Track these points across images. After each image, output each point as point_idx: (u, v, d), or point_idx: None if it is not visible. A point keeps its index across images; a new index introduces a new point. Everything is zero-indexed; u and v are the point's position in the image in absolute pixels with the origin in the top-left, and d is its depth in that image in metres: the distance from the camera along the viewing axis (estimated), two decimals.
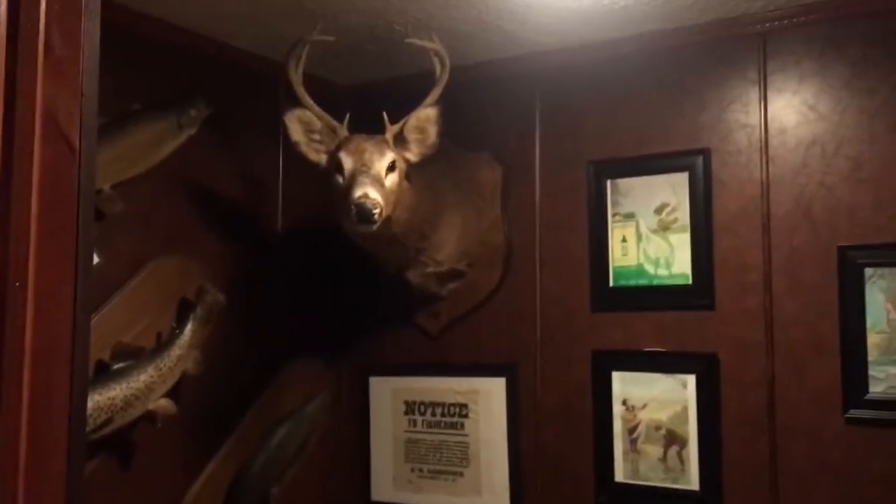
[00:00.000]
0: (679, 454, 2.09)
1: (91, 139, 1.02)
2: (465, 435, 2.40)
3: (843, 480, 1.88)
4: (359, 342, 2.58)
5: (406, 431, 2.49)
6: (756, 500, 1.98)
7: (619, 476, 2.16)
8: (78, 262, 1.04)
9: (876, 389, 1.87)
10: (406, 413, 2.50)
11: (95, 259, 1.90)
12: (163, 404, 1.93)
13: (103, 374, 1.85)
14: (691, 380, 2.08)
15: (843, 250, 1.92)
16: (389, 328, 2.53)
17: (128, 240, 1.99)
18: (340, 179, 1.94)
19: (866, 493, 1.86)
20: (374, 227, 1.89)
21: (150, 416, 1.92)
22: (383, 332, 2.54)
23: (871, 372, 1.87)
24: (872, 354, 1.88)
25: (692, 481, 2.07)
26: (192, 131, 2.04)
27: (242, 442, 2.21)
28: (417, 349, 2.49)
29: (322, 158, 2.01)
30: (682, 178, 2.13)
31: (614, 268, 2.21)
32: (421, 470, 2.46)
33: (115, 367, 1.86)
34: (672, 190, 2.14)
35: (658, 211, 2.16)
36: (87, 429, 1.74)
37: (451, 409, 2.43)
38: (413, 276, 2.32)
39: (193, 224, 2.15)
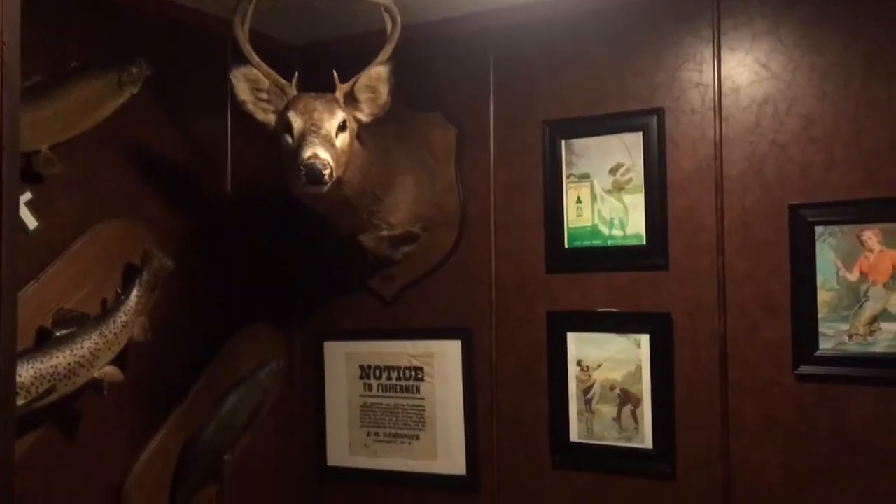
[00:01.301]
0: (633, 413, 2.10)
1: (14, 92, 0.97)
2: (421, 398, 2.39)
3: (793, 436, 1.91)
4: (312, 307, 2.54)
5: (361, 396, 2.47)
6: (708, 456, 2.00)
7: (575, 436, 2.17)
8: (1, 222, 0.98)
9: (826, 346, 1.89)
10: (361, 377, 2.48)
11: (34, 223, 1.84)
12: (109, 371, 1.87)
13: (45, 341, 1.79)
14: (645, 339, 2.08)
15: (794, 209, 1.93)
16: (343, 293, 2.50)
17: (69, 203, 1.92)
18: (289, 140, 1.89)
19: (816, 448, 1.89)
20: (325, 188, 1.85)
21: (95, 385, 1.86)
22: (337, 297, 2.51)
23: (821, 329, 1.90)
24: (822, 312, 1.89)
25: (646, 440, 2.08)
26: (134, 90, 1.96)
27: (192, 410, 2.16)
28: (372, 313, 2.46)
29: (270, 118, 1.96)
30: (636, 138, 2.12)
31: (569, 229, 2.20)
32: (377, 434, 2.45)
33: (58, 333, 1.80)
34: (626, 150, 2.13)
35: (613, 171, 2.15)
36: (29, 398, 1.70)
37: (407, 372, 2.41)
38: (366, 239, 2.29)
39: (138, 187, 2.09)
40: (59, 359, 1.76)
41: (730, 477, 1.97)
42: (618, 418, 2.12)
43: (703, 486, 2.00)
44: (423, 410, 2.38)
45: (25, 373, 1.69)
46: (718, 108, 2.02)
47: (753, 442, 1.95)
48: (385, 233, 2.29)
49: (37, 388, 1.71)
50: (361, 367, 2.48)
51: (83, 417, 1.93)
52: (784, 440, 1.92)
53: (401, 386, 2.42)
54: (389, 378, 2.44)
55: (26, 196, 1.82)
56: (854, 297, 1.87)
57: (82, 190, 1.95)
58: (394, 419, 2.42)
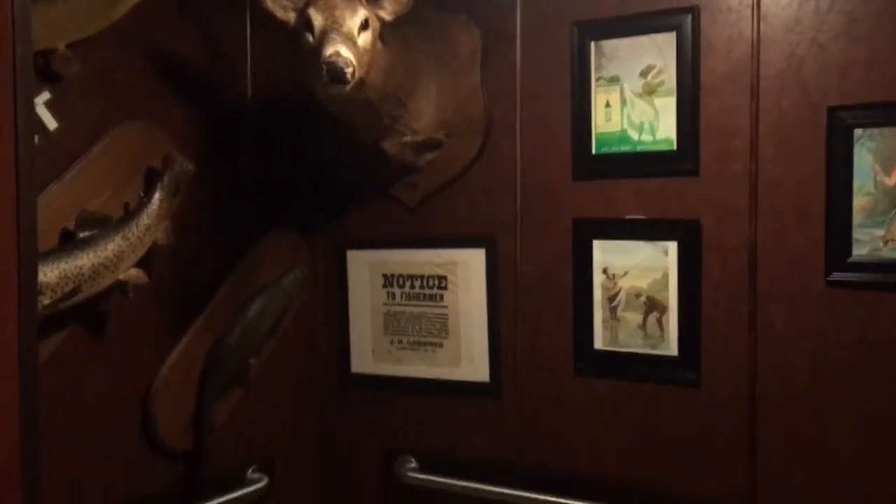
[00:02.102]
0: (659, 321, 2.08)
1: None
2: (445, 307, 2.38)
3: (821, 343, 1.89)
4: (334, 215, 2.52)
5: (385, 304, 2.47)
6: (733, 364, 1.98)
7: (599, 344, 2.16)
8: (17, 123, 0.96)
9: (859, 252, 1.85)
10: (384, 286, 2.47)
11: (55, 124, 1.82)
12: (133, 274, 1.87)
13: (69, 242, 1.78)
14: (673, 247, 2.05)
15: (833, 111, 1.86)
16: (365, 201, 2.47)
17: (87, 104, 1.88)
18: (310, 38, 1.84)
19: (843, 355, 1.86)
20: (347, 87, 1.80)
21: (121, 287, 1.87)
22: (359, 205, 2.49)
23: (856, 235, 1.85)
24: (857, 217, 1.85)
25: (671, 347, 2.07)
26: None
27: (217, 315, 2.17)
28: (395, 222, 2.44)
29: (290, 17, 1.90)
30: (669, 39, 2.04)
31: (597, 135, 2.15)
32: (400, 342, 2.45)
33: (81, 235, 1.79)
34: (658, 51, 2.06)
35: (643, 74, 2.08)
36: (55, 297, 1.70)
37: (430, 281, 2.40)
38: (389, 146, 2.25)
39: (157, 89, 2.05)
40: (83, 260, 1.76)
41: (755, 384, 1.96)
42: (643, 326, 2.10)
43: (728, 392, 1.99)
44: (447, 319, 2.38)
45: (50, 272, 1.69)
46: (757, 5, 1.93)
47: (780, 349, 1.93)
48: (408, 139, 2.24)
49: (62, 288, 1.71)
50: (385, 276, 2.47)
51: (109, 321, 1.95)
52: (812, 347, 1.89)
53: (424, 294, 2.41)
54: (413, 287, 2.43)
55: (45, 96, 1.79)
56: (891, 202, 1.82)
57: (100, 92, 1.91)
58: (417, 327, 2.42)
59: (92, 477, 1.93)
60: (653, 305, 2.09)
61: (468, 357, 2.35)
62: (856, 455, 1.86)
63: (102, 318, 1.93)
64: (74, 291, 1.73)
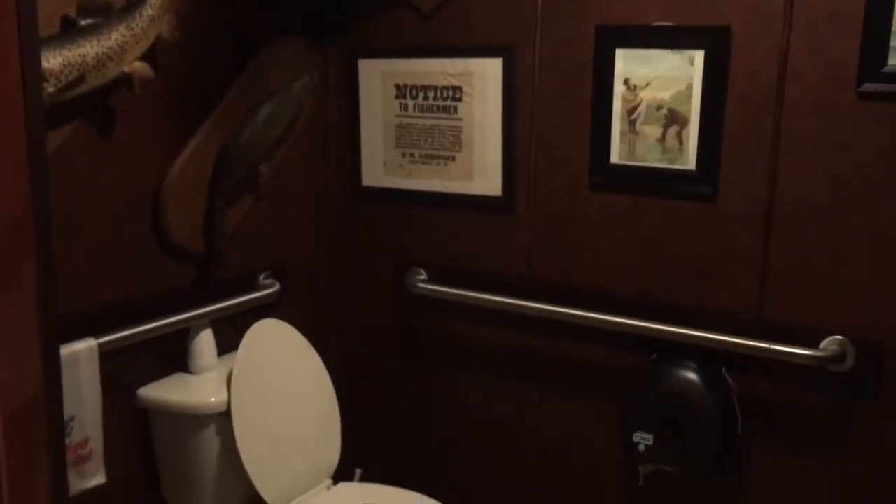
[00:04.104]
0: (679, 134, 2.03)
1: None
2: (459, 119, 2.32)
3: (845, 157, 1.84)
4: (346, 20, 2.42)
5: (397, 116, 2.41)
6: (752, 178, 1.95)
7: (615, 158, 2.12)
8: None
9: (894, 62, 1.76)
10: (397, 97, 2.40)
11: None
12: (139, 67, 1.81)
13: (71, 29, 1.71)
14: (700, 56, 1.96)
15: None
16: (378, 6, 2.36)
17: None
18: None
19: (867, 169, 1.82)
20: None
21: (126, 80, 1.81)
22: (372, 11, 2.38)
23: (893, 43, 1.76)
24: None
25: (689, 161, 2.02)
26: None
27: (226, 118, 2.12)
28: (409, 30, 2.34)
29: None
30: None
31: None
32: (412, 155, 2.41)
33: (84, 23, 1.72)
34: None
35: None
36: (59, 85, 1.65)
37: (445, 92, 2.33)
38: None
39: None
40: (87, 48, 1.69)
41: (773, 198, 1.93)
42: (662, 139, 2.05)
43: (745, 208, 1.96)
44: (461, 131, 2.33)
45: (53, 59, 1.63)
46: None
47: (801, 163, 1.89)
48: None
49: (66, 76, 1.65)
50: (397, 87, 2.40)
51: (117, 117, 1.90)
52: (834, 160, 1.85)
53: (438, 106, 2.35)
54: (426, 98, 2.36)
55: None
56: None
57: None
58: (430, 140, 2.38)
59: (107, 275, 1.94)
60: (674, 118, 2.03)
61: (481, 170, 2.32)
62: (869, 272, 1.85)
63: (110, 115, 1.89)
64: (79, 81, 1.68)
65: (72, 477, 1.81)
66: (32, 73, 0.96)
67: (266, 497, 2.02)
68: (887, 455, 1.87)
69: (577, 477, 2.29)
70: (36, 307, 0.95)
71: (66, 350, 1.78)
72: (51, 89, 1.63)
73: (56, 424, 1.02)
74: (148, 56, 1.86)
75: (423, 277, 2.43)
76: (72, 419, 1.80)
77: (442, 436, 2.51)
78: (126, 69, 1.79)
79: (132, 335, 1.95)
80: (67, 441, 1.79)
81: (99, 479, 1.89)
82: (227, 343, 2.17)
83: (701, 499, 2.13)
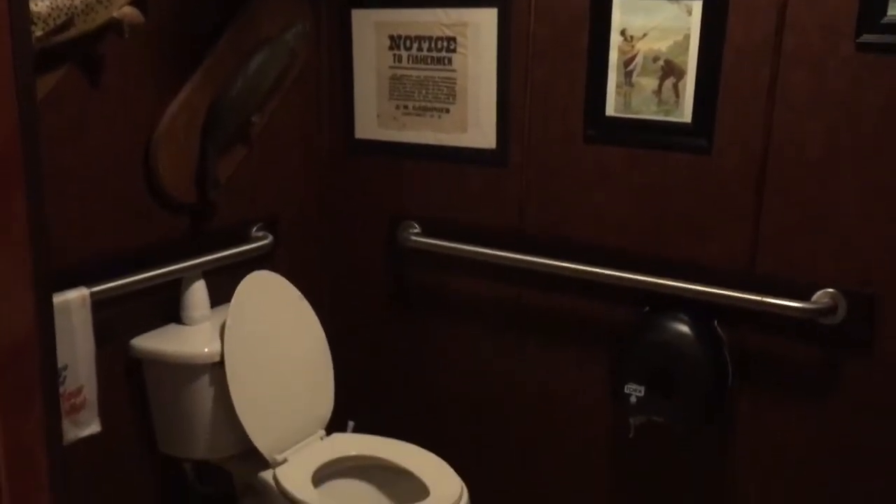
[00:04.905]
0: (675, 86, 2.01)
1: None
2: (453, 70, 2.30)
3: (841, 110, 1.83)
4: None
5: (391, 68, 2.39)
6: (748, 131, 1.94)
7: (611, 110, 2.10)
8: None
9: (894, 12, 1.75)
10: (391, 48, 2.37)
11: None
12: (128, 12, 1.77)
13: None
14: (697, 6, 1.94)
15: None
16: None
17: None
18: None
19: (864, 124, 1.81)
20: None
21: (116, 26, 1.78)
22: None
23: None
24: None
25: (685, 114, 2.01)
26: None
27: (217, 68, 2.09)
28: None
29: None
30: None
31: None
32: (406, 107, 2.39)
33: None
34: None
35: None
36: (47, 29, 1.62)
37: (439, 43, 2.30)
38: None
39: None
40: None
41: (767, 151, 1.92)
42: (658, 91, 2.03)
43: (739, 160, 1.96)
44: (455, 83, 2.31)
45: (41, 2, 1.60)
46: None
47: (798, 116, 1.88)
48: None
49: (54, 19, 1.62)
50: (391, 38, 2.37)
51: (107, 65, 1.87)
52: (831, 114, 1.84)
53: (432, 58, 2.32)
54: (420, 49, 2.33)
55: None
56: None
57: None
58: (424, 92, 2.35)
59: (99, 225, 1.93)
60: (670, 70, 2.01)
61: (475, 123, 2.30)
62: (859, 227, 1.85)
63: (99, 62, 1.86)
64: (67, 24, 1.65)
65: (66, 425, 1.82)
66: (20, 14, 0.94)
67: (260, 446, 2.04)
68: (876, 407, 1.90)
69: (568, 429, 2.32)
70: (27, 250, 0.94)
71: (58, 298, 1.77)
72: (38, 33, 1.60)
73: (48, 371, 1.02)
74: (138, 2, 1.83)
75: (416, 231, 2.43)
76: (65, 368, 1.80)
77: (434, 388, 2.52)
78: (115, 14, 1.75)
79: (124, 285, 1.95)
80: (61, 390, 1.80)
81: (94, 427, 1.90)
82: (220, 295, 2.17)
83: (691, 451, 2.15)
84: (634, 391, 2.05)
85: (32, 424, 0.95)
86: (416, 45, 2.34)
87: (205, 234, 2.19)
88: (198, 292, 2.12)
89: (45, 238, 0.94)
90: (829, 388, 1.94)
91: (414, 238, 2.40)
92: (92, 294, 1.86)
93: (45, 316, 0.99)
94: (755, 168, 1.95)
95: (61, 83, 1.78)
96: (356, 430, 2.35)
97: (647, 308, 2.11)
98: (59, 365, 1.78)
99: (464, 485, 2.01)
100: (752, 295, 1.94)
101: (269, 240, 2.33)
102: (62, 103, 1.79)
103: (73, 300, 1.81)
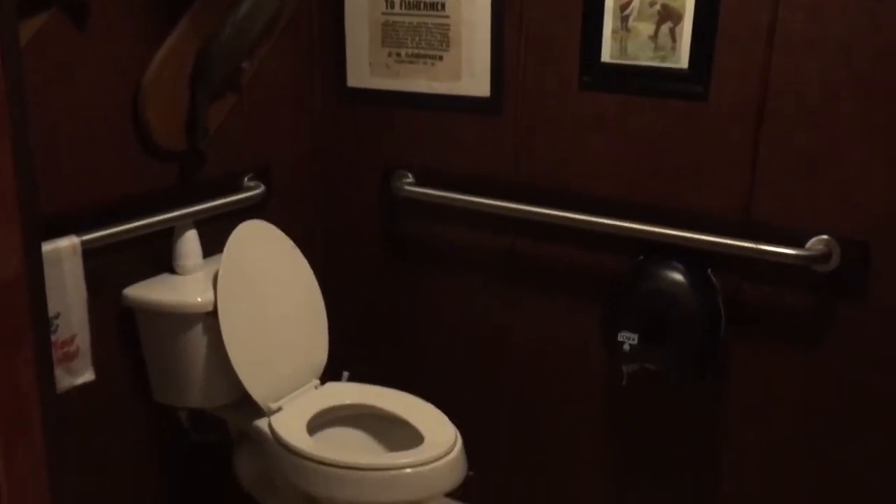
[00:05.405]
0: (671, 31, 1.98)
1: None
2: (446, 17, 2.26)
3: (839, 55, 1.80)
4: None
5: (383, 14, 2.34)
6: (744, 77, 1.91)
7: (606, 56, 2.07)
8: None
9: None
10: None
11: None
12: None
13: None
14: None
15: None
16: None
17: None
18: None
19: (861, 68, 1.79)
20: None
21: None
22: None
23: None
24: None
25: (682, 60, 1.98)
26: None
27: (206, 13, 2.05)
28: None
29: None
30: None
31: None
32: (398, 55, 2.36)
33: None
34: None
35: None
36: None
37: None
38: None
39: None
40: None
41: (764, 97, 1.90)
42: (654, 37, 2.00)
43: (736, 107, 1.94)
44: (448, 29, 2.27)
45: None
46: None
47: (795, 61, 1.85)
48: None
49: None
50: None
51: (93, 10, 1.83)
52: (828, 58, 1.81)
53: (425, 3, 2.28)
54: None
55: None
56: None
57: None
58: (417, 39, 2.32)
59: (88, 173, 1.91)
60: (667, 14, 1.98)
61: (469, 71, 2.27)
62: (858, 173, 1.84)
63: (85, 6, 1.82)
64: None
65: (60, 374, 1.82)
66: None
67: (254, 395, 2.04)
68: (869, 355, 1.90)
69: (561, 377, 2.33)
70: (13, 191, 0.93)
71: (48, 247, 1.76)
72: None
73: (39, 313, 1.01)
74: None
75: (409, 180, 2.41)
76: (57, 316, 1.80)
77: (428, 338, 2.53)
78: None
79: (115, 234, 1.93)
80: (54, 338, 1.79)
81: (87, 376, 1.90)
82: (213, 246, 2.15)
83: (683, 399, 2.17)
84: (628, 339, 2.06)
85: (23, 362, 0.94)
86: None
87: (196, 183, 2.17)
88: (190, 241, 2.11)
89: (31, 178, 0.93)
90: (823, 335, 1.95)
91: (408, 187, 2.38)
92: (83, 243, 1.85)
93: (34, 256, 0.98)
94: (752, 114, 1.93)
95: (46, 27, 1.75)
96: (350, 380, 2.36)
97: (642, 257, 2.10)
98: (51, 313, 1.77)
99: (458, 432, 2.02)
100: (747, 242, 1.93)
101: (260, 189, 2.31)
102: (47, 48, 1.76)
103: (64, 248, 1.80)
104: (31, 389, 0.99)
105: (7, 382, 0.96)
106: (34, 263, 0.96)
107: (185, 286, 2.08)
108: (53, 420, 0.99)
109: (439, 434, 2.02)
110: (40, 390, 1.00)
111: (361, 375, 2.36)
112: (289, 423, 2.05)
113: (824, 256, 1.88)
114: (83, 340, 1.87)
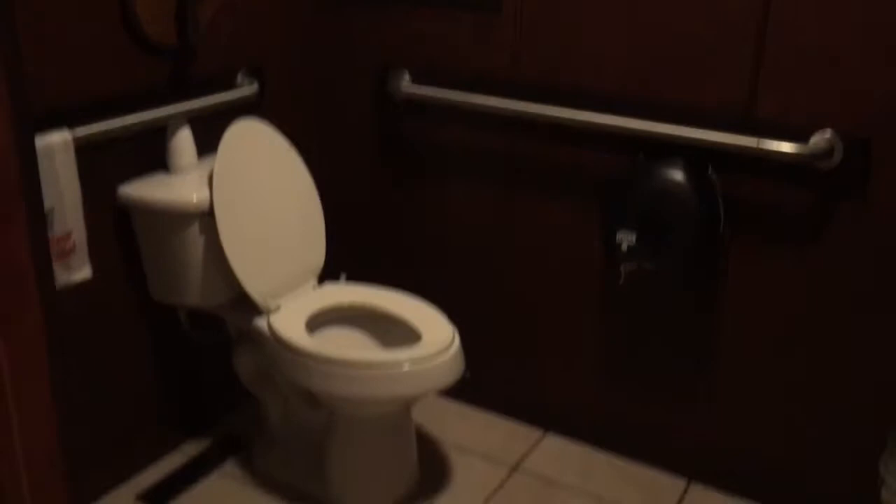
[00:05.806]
0: None
1: None
2: None
3: None
4: None
5: None
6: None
7: None
8: None
9: None
10: None
11: None
12: None
13: None
14: None
15: None
16: None
17: None
18: None
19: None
20: None
21: None
22: None
23: None
24: None
25: None
26: None
27: None
28: None
29: None
30: None
31: None
32: None
33: None
34: None
35: None
36: None
37: None
38: None
39: None
40: None
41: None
42: None
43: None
44: None
45: None
46: None
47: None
48: None
49: None
50: None
51: None
52: None
53: None
54: None
55: None
56: None
57: None
58: None
59: (77, 68, 1.86)
60: None
61: None
62: (864, 68, 1.80)
63: None
64: None
65: (57, 270, 1.82)
66: None
67: (252, 293, 2.04)
68: (868, 252, 1.90)
69: (559, 277, 2.33)
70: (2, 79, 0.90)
71: (40, 141, 1.73)
72: None
73: (32, 200, 0.99)
74: None
75: (407, 79, 2.36)
76: (52, 211, 1.78)
77: (425, 240, 2.52)
78: None
79: (107, 130, 1.90)
80: (49, 234, 1.78)
81: (85, 273, 1.89)
82: (207, 144, 2.12)
83: (680, 300, 2.17)
84: (626, 238, 2.05)
85: (17, 234, 0.93)
86: None
87: (188, 80, 2.12)
88: (184, 140, 2.08)
89: (17, 58, 0.90)
90: (822, 233, 1.94)
91: (405, 87, 2.34)
92: (75, 139, 1.82)
93: (27, 148, 0.96)
94: (758, 8, 1.88)
95: None
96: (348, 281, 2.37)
97: (642, 155, 2.08)
98: (46, 207, 1.75)
99: (455, 329, 2.04)
100: (749, 137, 1.91)
101: (254, 86, 2.26)
102: None
103: (56, 144, 1.77)
104: (24, 251, 0.97)
105: (3, 256, 0.95)
106: (23, 134, 0.94)
107: (180, 185, 2.06)
108: (52, 293, 0.99)
109: (437, 332, 2.03)
110: (34, 255, 0.99)
111: (359, 278, 2.37)
112: (287, 321, 2.06)
113: (826, 153, 1.86)
114: (79, 236, 1.86)
